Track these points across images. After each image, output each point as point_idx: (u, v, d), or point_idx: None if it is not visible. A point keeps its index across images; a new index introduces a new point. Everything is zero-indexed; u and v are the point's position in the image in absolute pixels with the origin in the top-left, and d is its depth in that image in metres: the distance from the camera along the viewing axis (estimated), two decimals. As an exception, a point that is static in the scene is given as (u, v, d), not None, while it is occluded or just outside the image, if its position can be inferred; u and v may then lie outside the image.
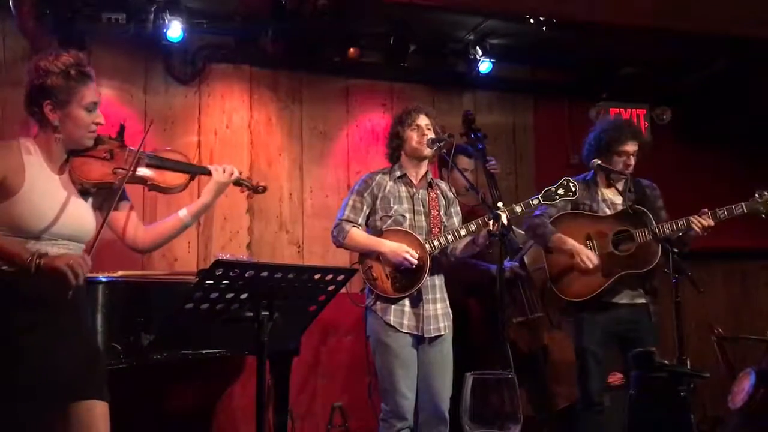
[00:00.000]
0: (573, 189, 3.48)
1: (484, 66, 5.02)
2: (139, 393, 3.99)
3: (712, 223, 3.64)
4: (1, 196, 2.31)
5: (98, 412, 2.36)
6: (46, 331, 2.31)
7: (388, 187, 3.53)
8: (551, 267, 3.87)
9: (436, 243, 3.42)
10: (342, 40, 4.80)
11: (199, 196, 2.75)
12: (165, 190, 2.66)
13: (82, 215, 2.45)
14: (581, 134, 5.63)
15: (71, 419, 2.32)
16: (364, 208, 3.53)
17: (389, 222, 3.49)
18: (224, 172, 2.72)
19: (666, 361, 2.83)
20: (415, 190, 3.57)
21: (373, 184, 3.55)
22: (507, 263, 4.20)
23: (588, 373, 3.73)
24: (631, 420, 3.05)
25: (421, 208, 3.55)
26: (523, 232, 4.12)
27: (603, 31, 4.83)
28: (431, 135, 3.54)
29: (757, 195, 3.65)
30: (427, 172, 3.64)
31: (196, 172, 2.71)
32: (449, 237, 3.43)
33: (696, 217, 3.64)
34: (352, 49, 4.81)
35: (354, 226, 3.49)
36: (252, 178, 2.84)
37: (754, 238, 4.12)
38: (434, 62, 5.25)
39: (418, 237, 3.44)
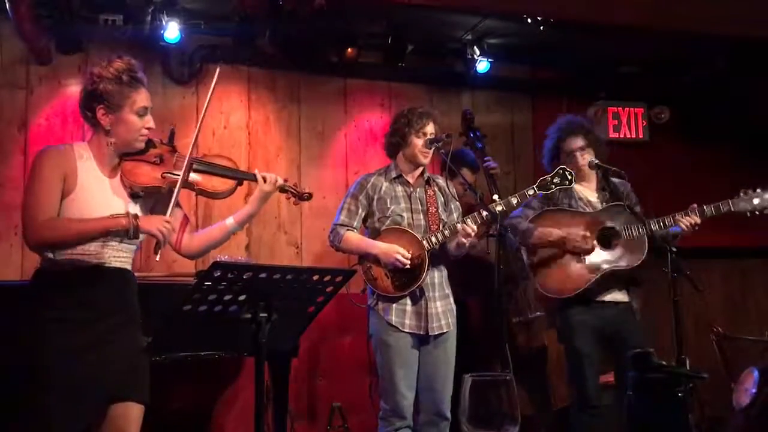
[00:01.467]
0: (569, 177, 3.48)
1: (482, 66, 5.02)
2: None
3: (698, 220, 3.60)
4: (61, 197, 2.42)
5: (133, 414, 2.45)
6: (84, 330, 2.39)
7: (384, 188, 3.54)
8: (534, 266, 3.78)
9: (434, 239, 3.42)
10: (340, 40, 4.80)
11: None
12: (212, 195, 2.72)
13: None
14: (579, 134, 5.68)
15: (106, 419, 2.41)
16: (360, 210, 3.55)
17: (387, 222, 3.50)
18: (269, 181, 2.78)
19: (664, 362, 2.83)
20: (411, 189, 3.57)
21: (368, 186, 3.56)
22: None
23: (583, 374, 3.67)
24: (628, 421, 3.05)
25: (419, 206, 3.54)
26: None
27: (601, 31, 4.83)
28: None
29: (742, 193, 3.62)
30: (423, 170, 3.63)
31: (242, 178, 2.76)
32: (446, 232, 3.42)
33: (682, 214, 3.61)
34: (349, 49, 4.81)
35: (349, 230, 3.51)
36: (298, 185, 2.89)
37: (753, 237, 4.12)
38: (432, 62, 5.26)
39: (416, 235, 3.44)
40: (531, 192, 3.47)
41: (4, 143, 4.36)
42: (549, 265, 3.74)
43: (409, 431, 3.44)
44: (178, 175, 2.53)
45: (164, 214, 2.60)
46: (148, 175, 2.55)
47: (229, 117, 4.85)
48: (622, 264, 3.65)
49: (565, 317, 3.72)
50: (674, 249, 3.50)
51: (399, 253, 3.35)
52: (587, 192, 3.85)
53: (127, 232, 2.37)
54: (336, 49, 4.83)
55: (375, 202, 3.53)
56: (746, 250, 4.01)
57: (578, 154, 3.78)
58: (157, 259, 2.41)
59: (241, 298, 2.13)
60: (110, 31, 4.31)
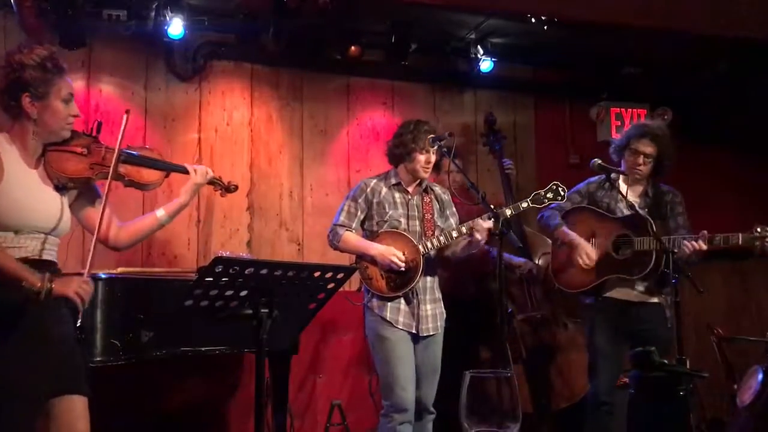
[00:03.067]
0: (561, 193, 3.63)
1: (485, 65, 5.02)
2: (138, 390, 4.00)
3: (705, 247, 3.60)
4: None
5: (79, 407, 2.39)
6: (21, 327, 2.31)
7: (383, 193, 3.66)
8: (554, 258, 3.96)
9: (429, 245, 3.55)
10: (343, 38, 4.79)
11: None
12: (141, 187, 2.69)
13: (59, 210, 2.48)
14: (582, 134, 5.68)
15: (53, 415, 2.34)
16: (359, 213, 3.67)
17: (385, 226, 3.62)
18: (199, 173, 2.75)
19: (665, 361, 2.83)
20: (409, 197, 3.70)
21: (368, 190, 3.68)
22: (520, 259, 4.35)
23: (596, 369, 3.74)
24: (630, 419, 3.06)
25: (416, 212, 3.67)
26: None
27: (604, 31, 4.83)
28: (434, 159, 3.66)
29: (757, 229, 3.60)
30: (422, 180, 3.72)
31: (171, 169, 2.74)
32: (441, 239, 3.56)
33: (690, 238, 3.63)
34: (353, 47, 4.80)
35: (347, 230, 3.64)
36: (222, 177, 2.89)
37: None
38: (435, 61, 5.25)
39: (413, 239, 3.56)
40: (524, 205, 3.60)
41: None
42: (565, 260, 3.87)
43: (410, 426, 3.47)
44: (108, 166, 2.49)
45: (87, 206, 2.59)
46: (76, 166, 2.50)
47: (232, 114, 4.85)
48: (625, 273, 3.70)
49: (588, 313, 3.86)
50: (675, 251, 3.52)
51: (395, 255, 3.48)
52: (632, 195, 3.88)
53: (38, 293, 2.25)
54: (339, 47, 4.83)
55: (374, 206, 3.65)
56: (747, 252, 4.00)
57: (642, 158, 3.83)
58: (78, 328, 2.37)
59: (243, 293, 2.14)
60: (114, 26, 4.31)
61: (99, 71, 4.50)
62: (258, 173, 4.84)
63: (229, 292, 2.11)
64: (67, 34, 4.37)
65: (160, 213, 2.70)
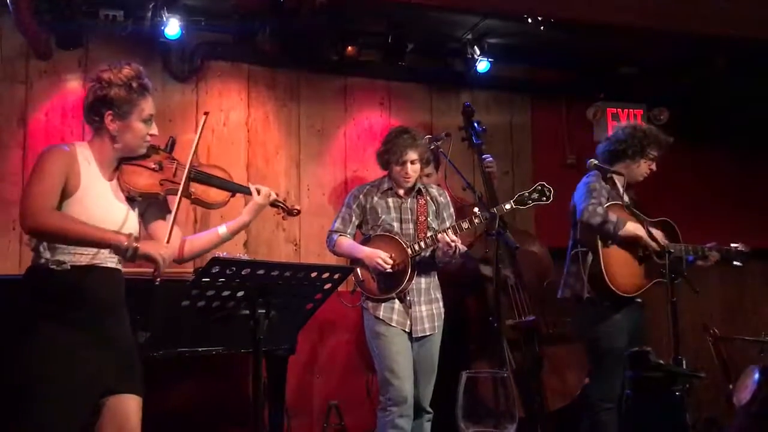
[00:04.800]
0: (547, 193, 3.63)
1: (482, 65, 5.01)
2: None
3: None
4: (62, 197, 2.41)
5: (133, 407, 2.47)
6: (80, 328, 2.39)
7: (375, 199, 3.74)
8: (606, 257, 3.78)
9: (416, 246, 3.61)
10: (340, 38, 4.79)
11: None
12: (207, 206, 2.74)
13: (129, 221, 2.55)
14: (578, 134, 5.70)
15: (107, 412, 2.43)
16: (353, 219, 3.78)
17: (378, 230, 3.71)
18: (264, 194, 2.80)
19: (661, 361, 2.84)
20: (402, 200, 3.75)
21: (361, 196, 3.78)
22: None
23: (611, 374, 3.73)
24: (626, 420, 3.06)
25: (409, 215, 3.73)
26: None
27: (601, 31, 4.84)
28: (415, 170, 3.68)
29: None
30: (415, 184, 3.76)
31: (237, 190, 2.78)
32: (428, 240, 3.60)
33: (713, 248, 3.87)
34: (350, 48, 4.80)
35: (341, 235, 3.75)
36: (287, 200, 2.95)
37: (751, 239, 4.13)
38: (432, 61, 5.26)
39: (402, 241, 3.62)
40: (508, 206, 3.62)
41: (3, 138, 4.35)
42: (618, 260, 3.78)
43: (408, 420, 3.50)
44: (178, 183, 2.55)
45: (155, 219, 2.67)
46: (147, 181, 2.57)
47: (229, 114, 4.85)
48: (662, 277, 3.68)
49: (609, 315, 3.78)
50: (672, 251, 3.55)
51: (380, 257, 3.55)
52: (624, 195, 3.93)
53: (125, 251, 2.34)
54: (336, 47, 4.83)
55: (367, 212, 3.75)
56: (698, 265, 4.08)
57: (654, 164, 3.94)
58: (157, 283, 2.44)
59: (240, 294, 2.14)
60: (111, 26, 4.30)
61: (95, 72, 4.48)
62: (255, 174, 4.84)
63: (226, 293, 2.12)
64: (64, 35, 4.37)
65: (222, 230, 2.76)
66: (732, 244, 3.98)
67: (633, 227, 3.72)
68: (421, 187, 3.80)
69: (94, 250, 2.44)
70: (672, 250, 3.59)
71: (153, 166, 2.61)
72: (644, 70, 5.45)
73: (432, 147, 3.67)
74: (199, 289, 2.08)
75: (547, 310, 4.41)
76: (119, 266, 2.57)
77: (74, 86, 4.51)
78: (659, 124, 5.71)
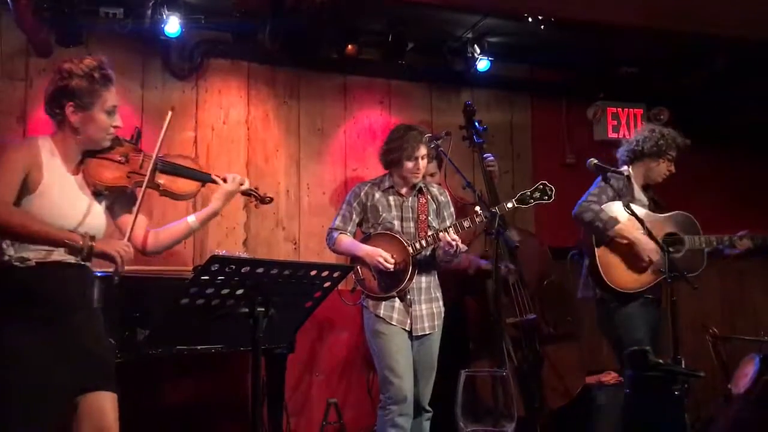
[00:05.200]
0: (549, 192, 3.63)
1: (482, 64, 5.01)
2: (133, 388, 3.98)
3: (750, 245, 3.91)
4: (24, 192, 2.37)
5: (109, 403, 2.45)
6: (49, 326, 2.35)
7: (376, 197, 3.74)
8: (603, 255, 3.83)
9: (417, 245, 3.60)
10: (340, 36, 4.79)
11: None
12: (176, 197, 2.71)
13: (96, 215, 2.51)
14: (578, 134, 5.69)
15: (82, 411, 2.39)
16: (354, 216, 3.77)
17: (379, 229, 3.70)
18: (234, 181, 2.77)
19: (661, 361, 2.84)
20: (403, 199, 3.76)
21: (362, 194, 3.77)
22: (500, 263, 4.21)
23: None
24: (625, 419, 3.06)
25: (410, 214, 3.73)
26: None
27: (601, 31, 4.83)
28: (425, 166, 3.70)
29: None
30: (416, 183, 3.76)
31: (206, 180, 2.75)
32: (429, 239, 3.59)
33: (738, 238, 3.89)
34: (350, 46, 4.80)
35: (341, 233, 3.74)
36: (259, 188, 2.89)
37: (749, 231, 4.13)
38: (432, 60, 5.25)
39: (403, 240, 3.61)
40: (510, 205, 3.61)
41: (2, 135, 4.34)
42: (618, 257, 3.81)
43: (408, 419, 3.50)
44: (144, 175, 2.52)
45: (123, 212, 2.63)
46: (113, 174, 2.53)
47: (229, 112, 4.84)
48: (682, 271, 3.69)
49: (623, 312, 3.80)
50: (671, 250, 3.55)
51: (381, 256, 3.55)
52: (642, 196, 3.97)
53: (80, 251, 2.33)
54: (336, 45, 4.82)
55: (368, 210, 3.74)
56: (725, 255, 4.07)
57: (673, 165, 3.98)
58: (116, 281, 2.41)
59: (239, 292, 2.14)
60: (110, 24, 4.30)
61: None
62: (254, 172, 4.84)
63: (225, 291, 2.11)
64: (64, 32, 4.36)
65: (191, 219, 2.73)
66: None
67: (623, 227, 3.74)
68: (422, 185, 3.80)
69: (53, 246, 2.39)
70: (671, 249, 3.59)
71: (119, 158, 2.56)
72: (644, 69, 5.45)
73: (432, 146, 3.66)
74: (198, 287, 2.07)
75: (547, 309, 4.42)
76: (81, 261, 2.51)
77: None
78: (659, 123, 5.72)
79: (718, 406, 4.48)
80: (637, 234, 3.73)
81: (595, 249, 3.83)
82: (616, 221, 3.75)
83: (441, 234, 3.52)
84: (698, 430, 4.50)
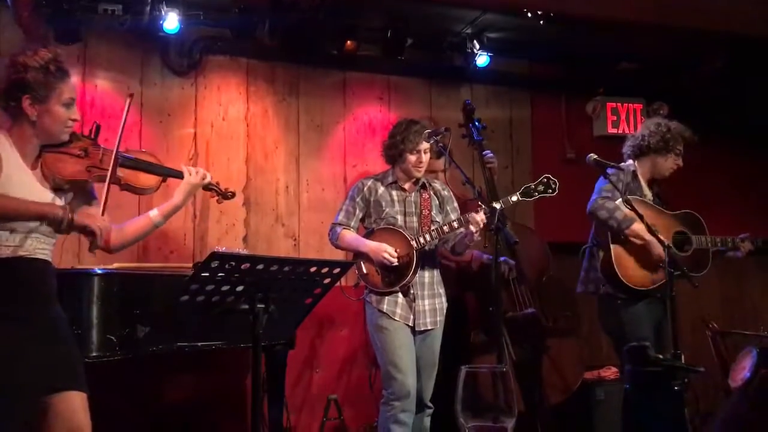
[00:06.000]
0: (553, 186, 3.61)
1: (482, 60, 5.01)
2: (134, 385, 4.00)
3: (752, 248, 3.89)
4: None
5: (79, 403, 2.39)
6: (16, 324, 2.32)
7: (380, 192, 3.73)
8: (617, 252, 3.78)
9: (422, 239, 3.59)
10: (339, 33, 4.78)
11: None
12: (138, 191, 2.69)
13: None
14: (578, 129, 5.69)
15: (53, 411, 2.34)
16: (357, 211, 3.75)
17: (382, 224, 3.69)
18: (196, 174, 2.76)
19: (660, 356, 2.84)
20: (406, 194, 3.75)
21: (365, 189, 3.76)
22: (500, 258, 4.19)
23: None
24: (625, 414, 3.06)
25: (413, 209, 3.72)
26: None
27: (601, 26, 4.83)
28: (427, 159, 3.70)
29: None
30: (419, 178, 3.76)
31: (168, 174, 2.74)
32: (433, 233, 3.58)
33: (740, 240, 3.89)
34: (349, 42, 4.79)
35: (345, 228, 3.72)
36: (221, 183, 2.89)
37: (750, 234, 4.14)
38: (432, 56, 5.24)
39: (407, 235, 3.60)
40: (514, 198, 3.60)
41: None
42: (632, 255, 3.77)
43: (411, 416, 3.50)
44: (105, 169, 2.50)
45: (83, 207, 2.58)
46: (73, 168, 2.50)
47: (228, 109, 4.84)
48: (690, 270, 3.66)
49: (630, 308, 3.77)
50: (670, 246, 3.54)
51: (386, 251, 3.54)
52: (648, 192, 3.95)
53: (60, 222, 2.31)
54: (335, 41, 4.82)
55: (371, 204, 3.72)
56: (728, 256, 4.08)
57: (680, 159, 3.94)
58: (94, 254, 2.42)
59: (239, 289, 2.14)
60: (109, 21, 4.29)
61: (94, 66, 4.48)
62: (254, 168, 4.84)
63: (225, 288, 2.12)
64: (62, 29, 4.35)
65: (154, 214, 2.70)
66: None
67: (638, 227, 3.69)
68: (425, 181, 3.80)
69: (18, 241, 2.36)
70: (671, 246, 3.59)
71: (78, 152, 2.53)
72: (644, 65, 5.45)
73: (432, 141, 3.66)
74: (198, 283, 2.08)
75: (546, 305, 4.42)
76: (49, 258, 2.49)
77: (73, 81, 4.49)
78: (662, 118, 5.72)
79: (718, 400, 4.49)
80: (651, 236, 3.66)
81: (611, 245, 3.78)
82: (631, 221, 3.69)
83: (471, 215, 3.48)
84: (698, 424, 4.51)
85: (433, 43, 5.14)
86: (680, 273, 3.40)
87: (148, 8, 4.25)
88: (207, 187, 2.83)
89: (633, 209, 3.48)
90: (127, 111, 2.60)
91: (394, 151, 3.70)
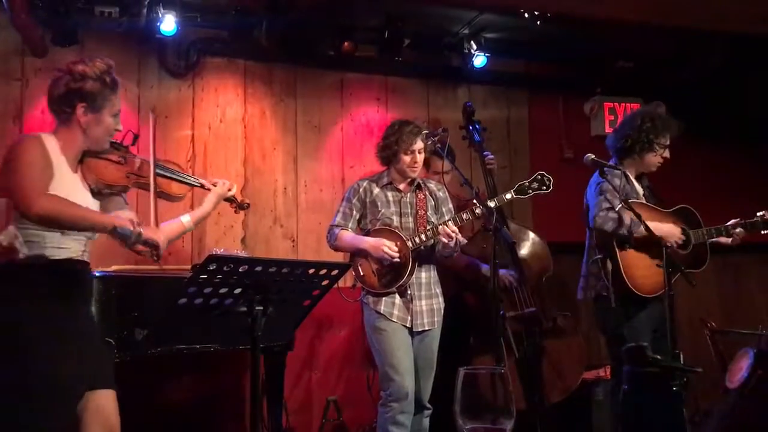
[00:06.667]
0: (547, 182, 3.58)
1: (479, 60, 5.01)
2: (132, 387, 3.98)
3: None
4: None
5: (112, 401, 2.51)
6: (68, 322, 2.43)
7: (375, 193, 3.72)
8: (624, 260, 3.71)
9: (417, 239, 3.58)
10: (336, 33, 4.78)
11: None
12: (170, 198, 2.82)
13: None
14: (576, 129, 5.70)
15: (89, 408, 2.44)
16: (354, 213, 3.75)
17: (378, 224, 3.68)
18: (223, 185, 2.90)
19: (658, 356, 2.84)
20: (402, 195, 3.74)
21: (361, 190, 3.75)
22: (503, 271, 4.17)
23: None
24: (623, 415, 3.06)
25: (408, 209, 3.72)
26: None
27: (598, 26, 4.83)
28: (422, 160, 3.69)
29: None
30: (414, 178, 3.75)
31: (196, 184, 2.89)
32: (429, 233, 3.58)
33: (732, 226, 3.82)
34: (346, 43, 4.79)
35: (342, 229, 3.72)
36: (255, 185, 3.01)
37: (747, 233, 4.14)
38: (429, 56, 5.25)
39: (402, 235, 3.60)
40: (508, 196, 3.60)
41: (-1, 135, 4.35)
42: (637, 261, 3.71)
43: (409, 417, 3.50)
44: (142, 176, 2.62)
45: (114, 212, 2.65)
46: (114, 174, 2.60)
47: (225, 110, 4.84)
48: (692, 268, 3.66)
49: (632, 313, 3.72)
50: (671, 246, 3.54)
51: (386, 245, 3.54)
52: (638, 188, 3.91)
53: (130, 235, 2.39)
54: (333, 42, 4.82)
55: (367, 206, 3.72)
56: (740, 246, 4.05)
57: (667, 151, 3.87)
58: (157, 262, 2.54)
59: (237, 291, 2.14)
60: (106, 23, 4.29)
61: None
62: (252, 169, 4.84)
63: (223, 290, 2.11)
64: (59, 31, 4.35)
65: (186, 219, 2.82)
66: (758, 213, 3.88)
67: (654, 228, 3.59)
68: (420, 181, 3.79)
69: (69, 244, 2.45)
70: (668, 243, 3.59)
71: (117, 159, 2.63)
72: (641, 64, 5.45)
73: (430, 142, 3.66)
74: (197, 286, 2.07)
75: (546, 305, 4.42)
76: (89, 260, 2.59)
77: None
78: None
79: (717, 399, 4.49)
80: (661, 227, 3.62)
81: (617, 252, 3.71)
82: (639, 223, 3.56)
83: (440, 227, 3.50)
84: (696, 423, 4.51)
85: (431, 43, 5.14)
86: (678, 272, 3.39)
87: (144, 10, 4.25)
88: (228, 198, 2.95)
89: (632, 211, 3.48)
90: (154, 125, 2.73)
91: (389, 152, 3.69)
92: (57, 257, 2.43)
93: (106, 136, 2.57)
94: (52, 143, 2.48)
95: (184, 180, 2.82)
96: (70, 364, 2.36)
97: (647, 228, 3.45)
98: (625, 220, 3.66)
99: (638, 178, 3.97)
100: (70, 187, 2.46)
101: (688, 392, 3.87)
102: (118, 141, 2.70)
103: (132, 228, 2.38)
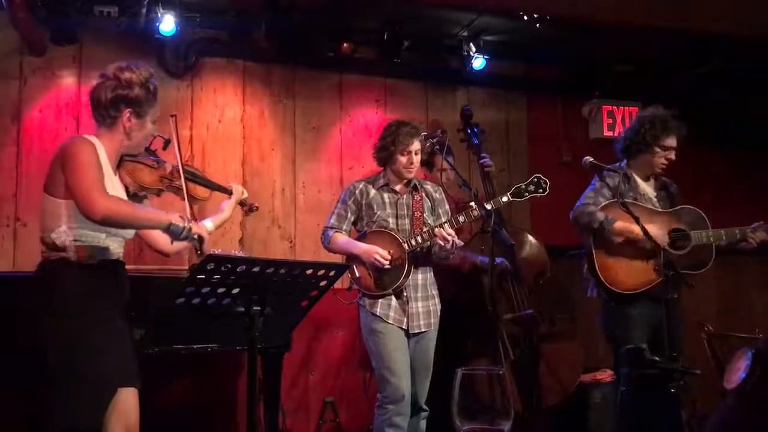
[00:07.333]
0: (543, 185, 3.58)
1: (478, 62, 5.02)
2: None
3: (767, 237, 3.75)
4: None
5: (135, 399, 2.55)
6: (113, 320, 2.50)
7: (371, 194, 3.71)
8: (600, 257, 3.73)
9: (413, 242, 3.57)
10: (336, 35, 4.79)
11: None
12: (195, 201, 2.89)
13: None
14: (574, 132, 5.70)
15: (115, 405, 2.47)
16: (349, 215, 3.74)
17: (374, 226, 3.67)
18: (237, 190, 3.01)
19: (657, 358, 2.84)
20: (398, 196, 3.73)
21: (356, 192, 3.74)
22: (498, 259, 4.18)
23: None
24: (621, 417, 3.07)
25: (405, 211, 3.70)
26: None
27: (597, 29, 4.83)
28: (418, 161, 3.69)
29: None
30: (410, 180, 3.74)
31: (218, 189, 2.99)
32: (425, 235, 3.56)
33: (752, 230, 3.74)
34: (345, 45, 4.80)
35: (337, 232, 3.71)
36: (255, 186, 3.04)
37: (765, 222, 4.12)
38: (428, 58, 5.25)
39: (399, 237, 3.59)
40: (505, 199, 3.60)
41: (-3, 134, 4.34)
42: (617, 258, 3.72)
43: (405, 419, 3.49)
44: (174, 180, 2.72)
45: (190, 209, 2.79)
46: (150, 177, 2.70)
47: (224, 111, 4.84)
48: (690, 269, 3.64)
49: (622, 311, 3.71)
50: (665, 248, 3.53)
51: (378, 253, 3.53)
52: (648, 189, 3.90)
53: (181, 231, 2.45)
54: (332, 44, 4.82)
55: (363, 208, 3.71)
56: (739, 249, 4.05)
57: (672, 153, 3.84)
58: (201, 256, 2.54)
59: (235, 291, 2.14)
60: (105, 22, 4.29)
61: (90, 68, 4.47)
62: (250, 170, 4.84)
63: (221, 290, 2.11)
64: (58, 31, 4.36)
65: (209, 224, 2.87)
66: None
67: (621, 225, 3.66)
68: (417, 183, 3.78)
69: (116, 245, 2.55)
70: (668, 249, 3.58)
71: (151, 163, 2.73)
72: (640, 67, 5.46)
73: (428, 144, 3.65)
74: (195, 286, 2.07)
75: (543, 307, 4.42)
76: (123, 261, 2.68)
77: (68, 82, 4.50)
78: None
79: (714, 402, 4.49)
80: (635, 228, 3.61)
81: (593, 250, 3.76)
82: (612, 220, 3.66)
83: (436, 229, 3.49)
84: (694, 426, 4.51)
85: (430, 45, 5.14)
86: (675, 273, 3.39)
87: (144, 10, 4.26)
88: (241, 201, 3.05)
89: (629, 212, 3.47)
90: (176, 130, 2.81)
91: (385, 153, 3.69)
92: (105, 258, 2.52)
93: (144, 142, 2.67)
94: (99, 145, 2.55)
95: (209, 185, 2.92)
96: (112, 358, 2.43)
97: (641, 226, 3.43)
98: (599, 216, 3.67)
99: (652, 180, 3.93)
100: (113, 188, 2.53)
101: (686, 395, 3.87)
102: (150, 147, 2.79)
103: (183, 224, 2.45)
